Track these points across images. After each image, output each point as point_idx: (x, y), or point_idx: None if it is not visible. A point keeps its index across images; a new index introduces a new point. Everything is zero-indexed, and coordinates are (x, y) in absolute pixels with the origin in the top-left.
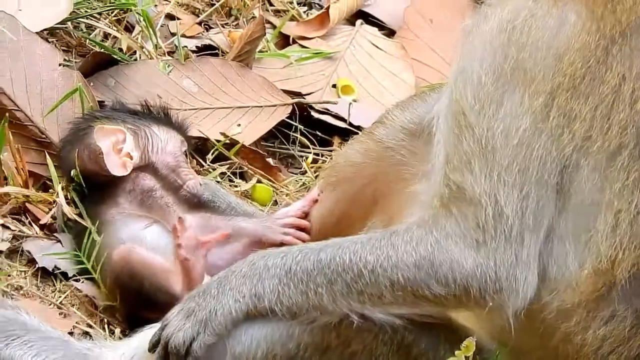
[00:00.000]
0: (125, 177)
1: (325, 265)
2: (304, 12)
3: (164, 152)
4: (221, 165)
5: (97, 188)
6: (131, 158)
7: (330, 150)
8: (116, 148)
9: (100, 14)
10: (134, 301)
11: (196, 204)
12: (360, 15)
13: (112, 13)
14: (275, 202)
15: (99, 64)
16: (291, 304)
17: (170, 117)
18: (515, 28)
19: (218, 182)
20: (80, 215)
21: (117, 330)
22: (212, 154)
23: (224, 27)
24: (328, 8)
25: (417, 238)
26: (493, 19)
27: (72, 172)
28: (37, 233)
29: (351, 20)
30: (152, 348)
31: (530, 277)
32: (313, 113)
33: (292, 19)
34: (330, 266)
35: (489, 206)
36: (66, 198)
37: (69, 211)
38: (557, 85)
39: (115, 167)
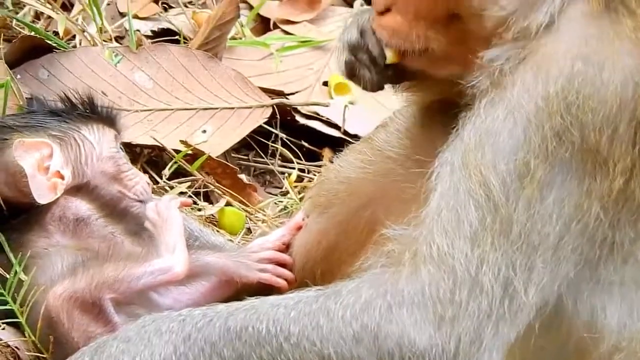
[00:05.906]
0: (52, 201)
1: (235, 335)
2: None
3: (100, 160)
4: (181, 183)
5: (19, 212)
6: (62, 178)
7: (319, 166)
8: (42, 167)
9: None
10: (72, 353)
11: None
12: None
13: None
14: (249, 231)
15: (28, 51)
16: None
17: (95, 106)
18: (570, 98)
19: None
20: None
21: None
22: (170, 169)
23: (187, 6)
24: None
25: (364, 302)
26: (530, 84)
27: None
28: None
29: (348, 0)
30: None
31: (495, 356)
32: (298, 118)
33: None
34: (242, 337)
35: (486, 283)
36: None
37: None
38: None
39: (43, 191)
